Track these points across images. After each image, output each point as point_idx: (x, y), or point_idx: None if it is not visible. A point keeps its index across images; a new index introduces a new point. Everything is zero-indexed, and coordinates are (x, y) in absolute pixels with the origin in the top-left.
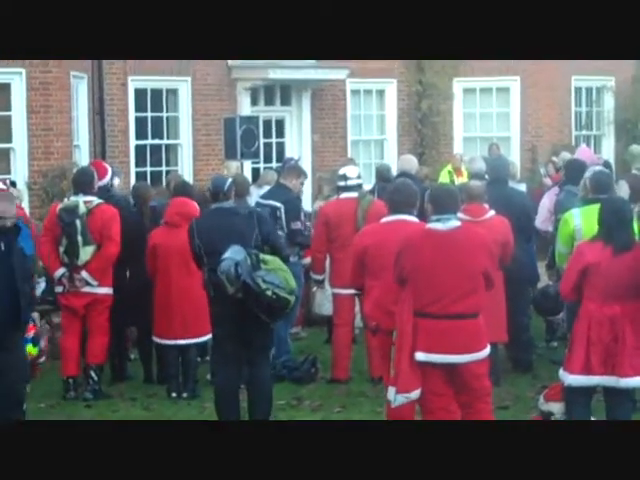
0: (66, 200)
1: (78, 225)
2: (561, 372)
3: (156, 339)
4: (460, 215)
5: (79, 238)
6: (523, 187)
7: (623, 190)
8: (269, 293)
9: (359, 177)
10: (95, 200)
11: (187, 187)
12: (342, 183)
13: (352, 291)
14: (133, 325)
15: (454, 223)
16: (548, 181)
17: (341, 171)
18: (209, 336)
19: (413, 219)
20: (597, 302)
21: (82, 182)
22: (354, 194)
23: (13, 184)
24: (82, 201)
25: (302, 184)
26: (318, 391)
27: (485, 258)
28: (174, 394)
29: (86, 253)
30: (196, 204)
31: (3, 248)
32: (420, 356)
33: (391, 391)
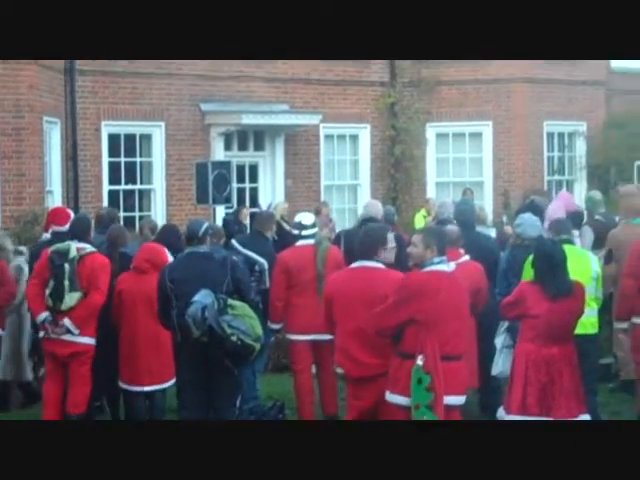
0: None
1: (67, 269)
2: (499, 412)
3: (122, 385)
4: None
5: (66, 282)
6: (492, 232)
7: (588, 236)
8: (234, 339)
9: (314, 225)
10: (88, 248)
11: (173, 231)
12: (297, 231)
13: (309, 337)
14: (100, 371)
15: (452, 265)
16: (509, 229)
17: (297, 218)
18: (173, 381)
19: (377, 265)
20: (535, 344)
21: (77, 229)
22: (311, 241)
23: None
24: (74, 246)
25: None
26: None
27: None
28: None
29: (71, 299)
30: (175, 250)
31: None
32: (449, 399)
33: None
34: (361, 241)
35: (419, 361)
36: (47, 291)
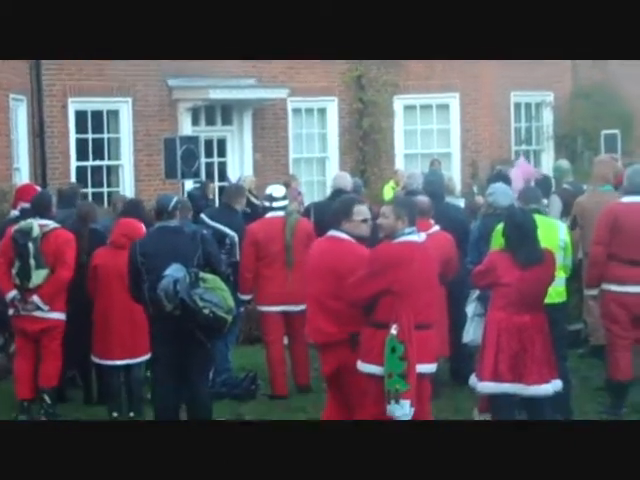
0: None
1: (31, 248)
2: (472, 379)
3: (95, 359)
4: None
5: (31, 261)
6: (461, 202)
7: (556, 204)
8: (206, 311)
9: (285, 197)
10: (51, 224)
11: (138, 206)
12: (268, 203)
13: (279, 308)
14: (72, 346)
15: (422, 235)
16: (480, 199)
17: (267, 190)
18: (148, 356)
19: (342, 235)
20: (507, 311)
21: (39, 205)
22: (280, 213)
23: None
24: (37, 224)
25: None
26: (258, 408)
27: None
28: (115, 414)
29: (38, 276)
30: (143, 225)
31: None
32: (422, 368)
33: (406, 405)
34: (331, 211)
35: (393, 330)
36: (13, 270)
